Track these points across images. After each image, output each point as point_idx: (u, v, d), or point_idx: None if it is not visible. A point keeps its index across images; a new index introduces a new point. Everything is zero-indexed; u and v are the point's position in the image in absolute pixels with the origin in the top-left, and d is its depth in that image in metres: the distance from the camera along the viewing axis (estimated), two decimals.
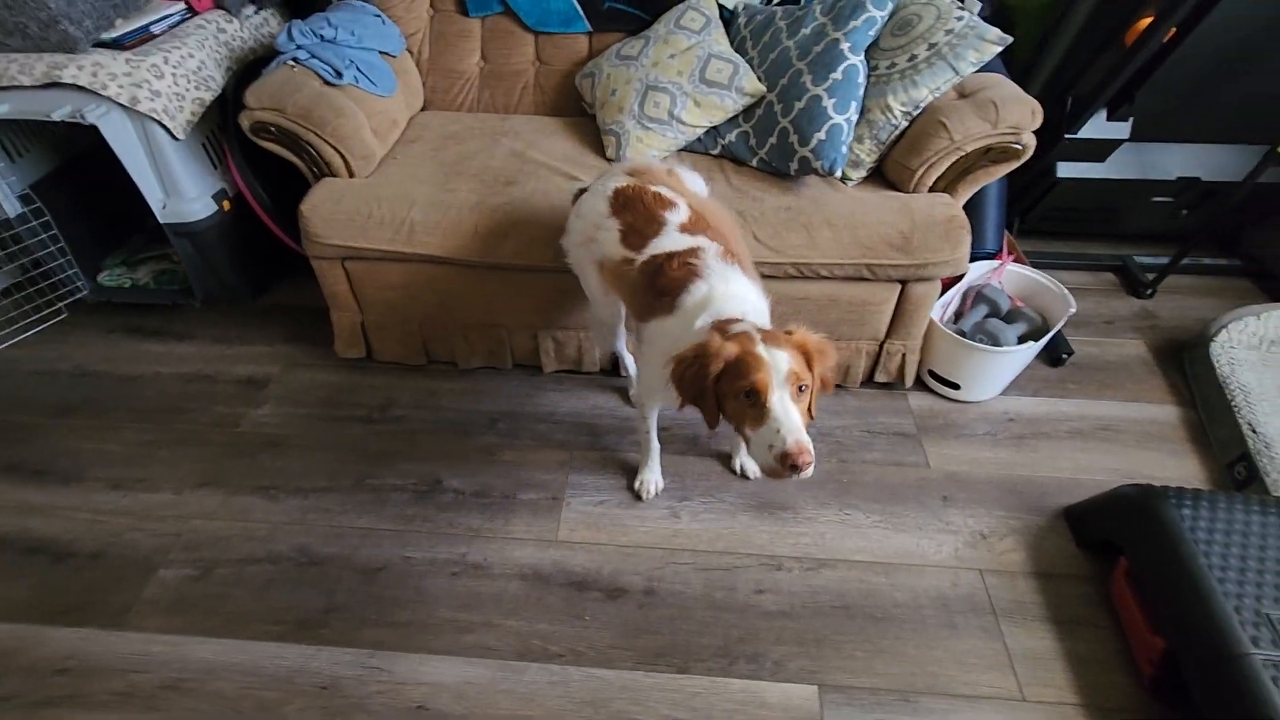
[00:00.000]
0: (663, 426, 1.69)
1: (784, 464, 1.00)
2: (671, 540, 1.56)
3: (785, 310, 1.73)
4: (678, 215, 1.36)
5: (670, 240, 1.32)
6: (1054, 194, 2.19)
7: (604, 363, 1.94)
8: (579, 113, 2.10)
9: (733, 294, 1.20)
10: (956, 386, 1.85)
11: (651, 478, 1.64)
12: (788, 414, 1.01)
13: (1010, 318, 1.92)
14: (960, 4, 1.64)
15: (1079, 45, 1.91)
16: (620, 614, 1.43)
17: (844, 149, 1.66)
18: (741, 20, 1.95)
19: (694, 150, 1.92)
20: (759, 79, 1.80)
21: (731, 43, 1.91)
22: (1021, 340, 1.83)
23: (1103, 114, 1.97)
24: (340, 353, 1.96)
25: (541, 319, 1.85)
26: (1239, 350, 1.85)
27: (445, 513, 1.62)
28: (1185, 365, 1.96)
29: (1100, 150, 2.05)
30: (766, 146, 1.77)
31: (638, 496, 1.64)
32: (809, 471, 1.00)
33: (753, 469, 1.65)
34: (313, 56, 1.75)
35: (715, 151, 1.89)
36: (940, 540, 1.56)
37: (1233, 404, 1.73)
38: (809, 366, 1.08)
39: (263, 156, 1.80)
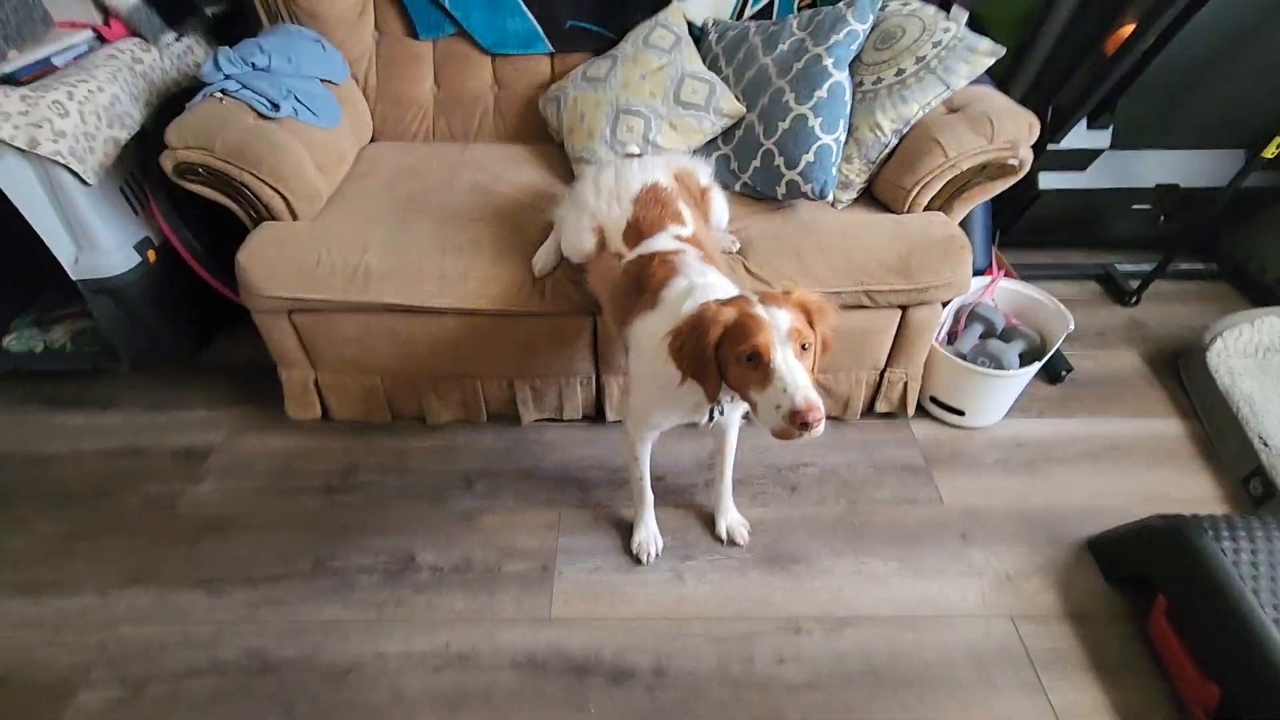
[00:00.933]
0: (657, 476, 1.55)
1: (794, 423, 0.93)
2: (678, 609, 1.41)
3: None
4: (681, 229, 1.32)
5: (660, 243, 1.28)
6: (1036, 205, 2.14)
7: (587, 408, 1.78)
8: (544, 139, 1.96)
9: (712, 284, 1.16)
10: (961, 413, 1.76)
11: (649, 536, 1.50)
12: (793, 372, 0.95)
13: (1006, 336, 1.84)
14: (945, 14, 1.56)
15: (1057, 55, 1.86)
16: (629, 701, 1.27)
17: (834, 171, 1.56)
18: (712, 37, 1.84)
19: None
20: (738, 99, 1.69)
21: (703, 60, 1.79)
22: (1021, 359, 1.76)
23: (1083, 123, 1.92)
24: (293, 415, 1.76)
25: (516, 367, 1.69)
26: (1236, 359, 1.81)
27: (422, 594, 1.44)
28: (1182, 375, 1.92)
29: (1082, 160, 2.01)
30: (750, 170, 1.65)
31: (637, 560, 1.49)
32: (820, 429, 0.94)
33: (740, 534, 1.52)
34: (244, 87, 1.56)
35: None
36: (965, 585, 1.45)
37: (1239, 416, 1.68)
38: (810, 325, 1.03)
39: (193, 198, 1.59)
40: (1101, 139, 1.95)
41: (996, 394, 1.73)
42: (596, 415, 1.80)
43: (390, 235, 1.57)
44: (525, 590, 1.45)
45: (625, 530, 1.54)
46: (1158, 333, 2.09)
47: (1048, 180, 2.07)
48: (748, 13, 1.89)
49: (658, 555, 1.49)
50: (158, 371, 1.94)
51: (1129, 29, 1.68)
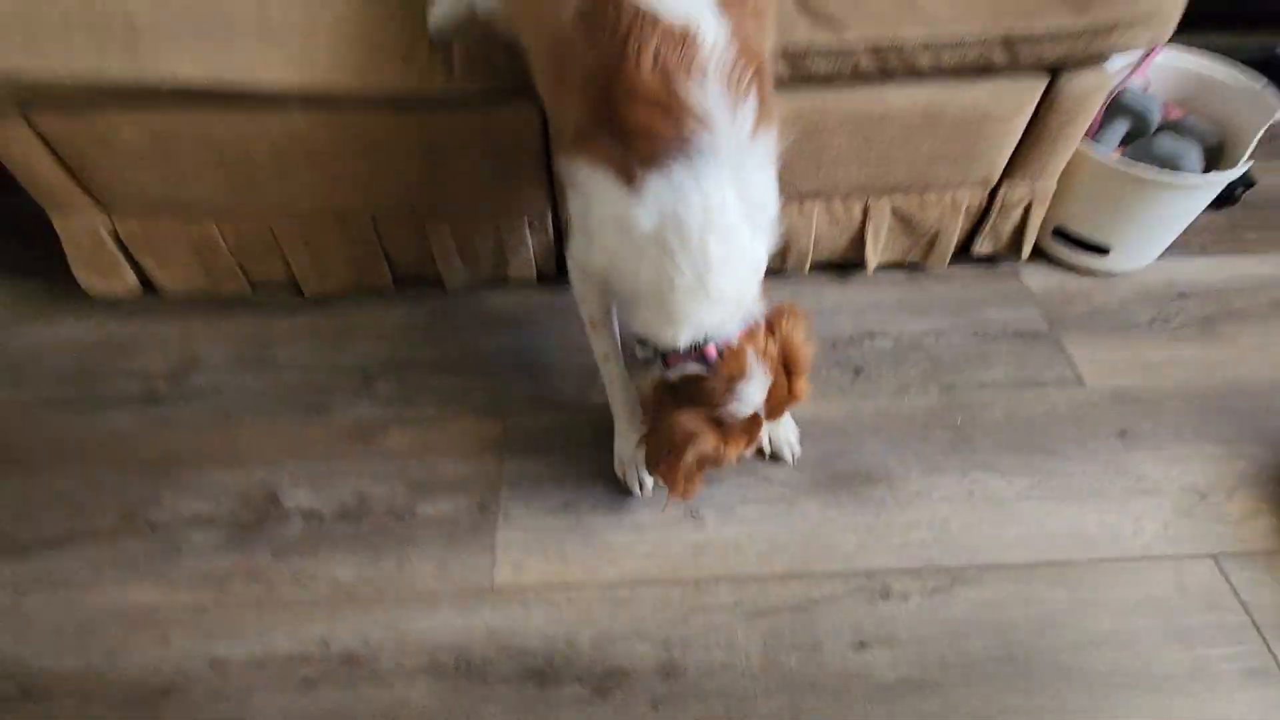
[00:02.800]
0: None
1: None
2: (694, 567, 0.90)
3: (847, 145, 1.00)
4: None
5: None
6: None
7: (541, 263, 1.19)
8: None
9: (727, 242, 0.69)
10: (1106, 250, 1.18)
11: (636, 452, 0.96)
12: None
13: (1179, 130, 1.22)
14: None
15: None
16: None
17: None
18: None
19: None
20: None
21: None
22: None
23: None
24: (88, 285, 1.16)
25: (424, 198, 1.07)
26: None
27: (287, 559, 0.91)
28: None
29: None
30: None
31: (624, 490, 0.96)
32: None
33: (787, 444, 0.98)
34: None
35: None
36: (1137, 510, 0.94)
37: None
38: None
39: None
40: None
41: (1166, 217, 1.15)
42: (558, 273, 1.21)
43: None
44: (452, 546, 0.92)
45: (607, 444, 0.99)
46: None
47: None
48: None
49: (656, 484, 0.95)
50: None
51: None
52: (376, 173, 1.02)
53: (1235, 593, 0.86)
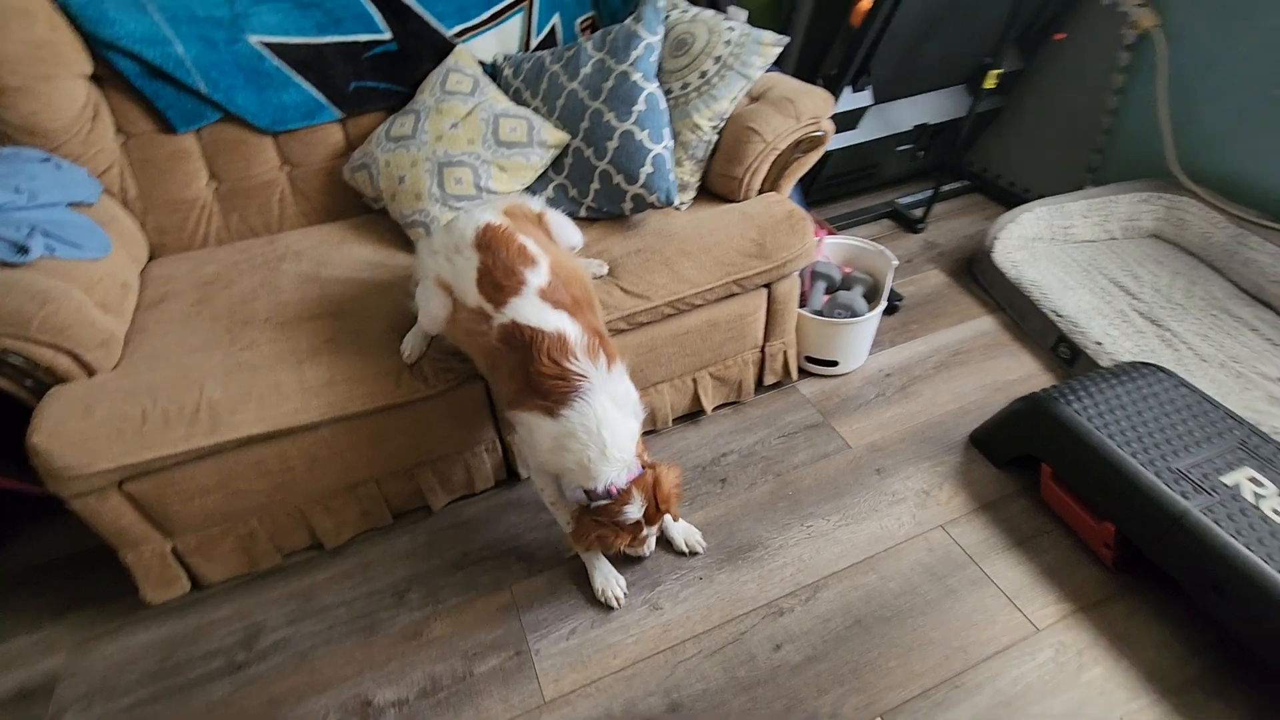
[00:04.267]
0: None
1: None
2: (667, 638, 1.39)
3: (672, 351, 1.65)
4: (537, 276, 1.25)
5: (530, 307, 1.22)
6: (827, 165, 2.39)
7: (497, 473, 1.68)
8: (360, 209, 1.81)
9: (608, 429, 1.21)
10: (835, 363, 1.93)
11: (608, 578, 1.46)
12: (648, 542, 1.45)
13: (847, 285, 2.05)
14: (724, 15, 1.68)
15: (812, 33, 2.09)
16: None
17: (672, 177, 1.61)
18: (508, 72, 1.82)
19: None
20: (557, 127, 1.69)
21: (507, 96, 1.76)
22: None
23: (849, 89, 2.18)
24: (153, 599, 1.46)
25: (414, 455, 1.55)
26: (1014, 253, 2.18)
27: None
28: (978, 277, 2.26)
29: (853, 119, 2.28)
30: (590, 194, 1.66)
31: (607, 606, 1.45)
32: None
33: (696, 541, 1.54)
34: None
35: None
36: (897, 514, 1.59)
37: (1032, 299, 2.02)
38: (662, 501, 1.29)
39: None
40: (865, 98, 2.22)
41: (859, 338, 1.91)
42: (508, 477, 1.71)
43: (226, 359, 1.36)
44: (508, 684, 1.34)
45: (584, 582, 1.48)
46: (949, 248, 2.44)
47: (830, 142, 2.31)
48: (533, 44, 1.89)
49: (625, 594, 1.46)
50: None
51: (868, 1, 1.93)
52: (380, 453, 1.49)
53: (956, 543, 1.53)
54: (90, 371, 1.32)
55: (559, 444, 1.22)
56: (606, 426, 1.20)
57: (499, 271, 1.23)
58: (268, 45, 1.65)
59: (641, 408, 1.32)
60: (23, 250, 1.29)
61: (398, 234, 1.71)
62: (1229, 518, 1.26)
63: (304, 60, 1.68)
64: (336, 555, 1.59)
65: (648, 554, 1.49)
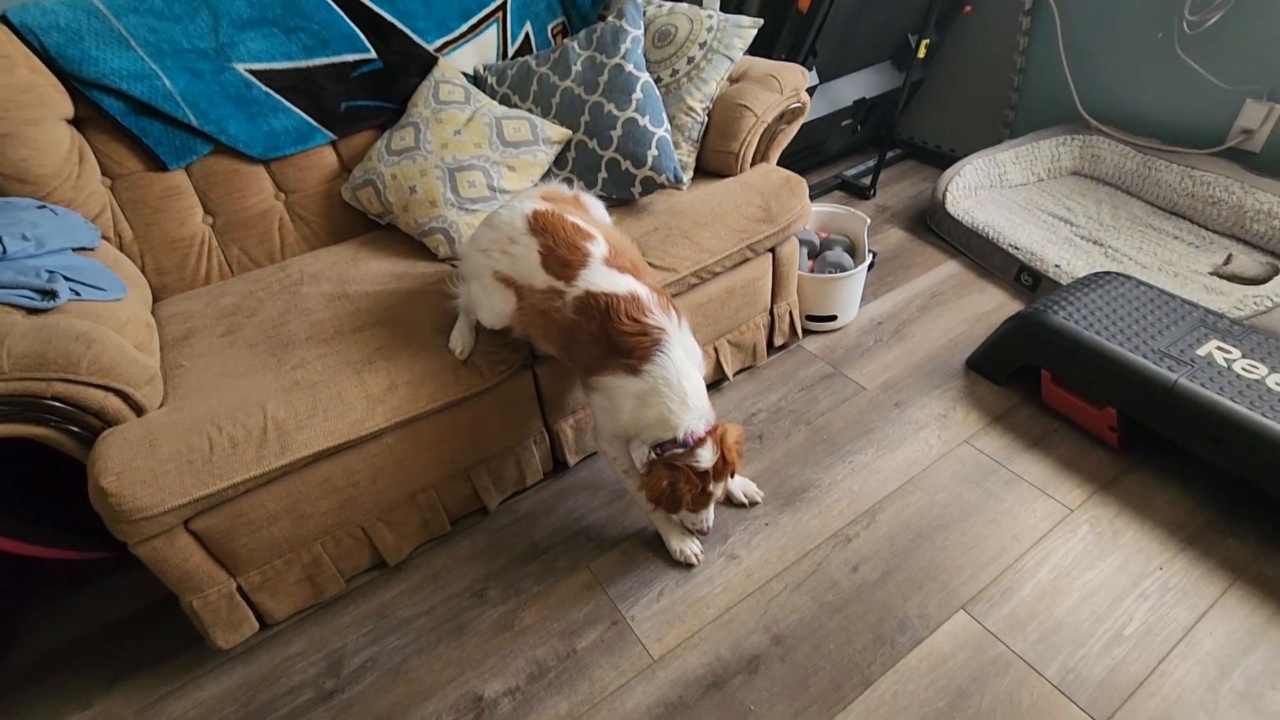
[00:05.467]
0: None
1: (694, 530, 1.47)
2: (751, 581, 1.46)
3: (697, 321, 1.74)
4: (599, 247, 1.32)
5: (600, 275, 1.29)
6: None
7: (545, 465, 1.71)
8: (366, 226, 1.81)
9: (687, 380, 1.28)
10: (833, 318, 2.07)
11: (684, 537, 1.51)
12: (709, 514, 1.44)
13: (828, 247, 2.20)
14: (698, 5, 1.80)
15: (765, 19, 2.26)
16: (773, 678, 1.30)
17: (675, 157, 1.71)
18: (492, 81, 1.88)
19: None
20: (558, 124, 1.75)
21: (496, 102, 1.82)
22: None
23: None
24: (224, 643, 1.39)
25: (470, 454, 1.55)
26: (964, 202, 2.41)
27: None
28: (935, 228, 2.48)
29: None
30: (599, 183, 1.73)
31: (688, 565, 1.50)
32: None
33: (754, 492, 1.62)
34: None
35: None
36: (924, 438, 1.73)
37: (989, 238, 2.24)
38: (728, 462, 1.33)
39: None
40: (813, 78, 2.41)
41: (852, 291, 2.07)
42: (555, 468, 1.74)
43: (280, 379, 1.33)
44: (613, 652, 1.37)
45: (658, 548, 1.53)
46: (899, 209, 2.66)
47: None
48: (510, 52, 1.96)
49: (701, 551, 1.52)
50: None
51: None
52: (440, 455, 1.49)
53: (980, 452, 1.68)
54: (139, 411, 1.27)
55: (642, 400, 1.27)
56: (686, 378, 1.27)
57: (563, 249, 1.28)
58: (255, 73, 1.64)
59: (703, 361, 1.39)
60: (50, 295, 1.23)
61: (411, 244, 1.72)
62: (1211, 380, 1.46)
63: (293, 85, 1.68)
64: (400, 571, 1.57)
65: (708, 527, 1.45)
